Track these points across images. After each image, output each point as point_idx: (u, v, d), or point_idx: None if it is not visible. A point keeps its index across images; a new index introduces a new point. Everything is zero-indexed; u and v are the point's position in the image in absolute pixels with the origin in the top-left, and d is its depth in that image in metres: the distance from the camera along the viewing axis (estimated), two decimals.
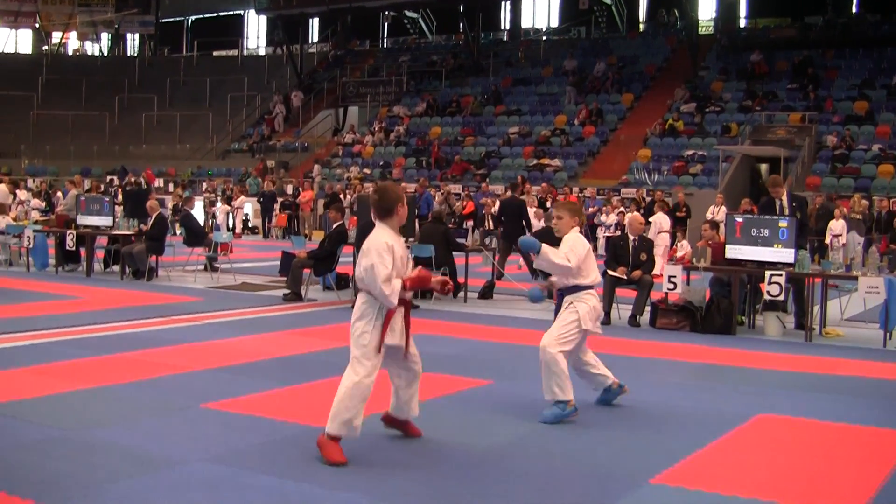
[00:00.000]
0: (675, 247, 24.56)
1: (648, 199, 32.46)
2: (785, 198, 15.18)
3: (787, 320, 14.56)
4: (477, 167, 41.46)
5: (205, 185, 42.54)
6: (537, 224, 23.82)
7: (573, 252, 8.53)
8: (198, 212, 30.12)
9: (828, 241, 26.05)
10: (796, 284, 14.35)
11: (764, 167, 36.80)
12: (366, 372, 7.01)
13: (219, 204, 36.80)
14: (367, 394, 7.02)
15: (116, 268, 20.10)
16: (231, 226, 36.20)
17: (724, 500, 6.28)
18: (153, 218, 19.61)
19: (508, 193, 25.07)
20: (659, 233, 24.71)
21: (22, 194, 35.79)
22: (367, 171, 43.40)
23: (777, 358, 12.14)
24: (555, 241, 8.74)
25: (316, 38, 65.54)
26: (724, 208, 27.29)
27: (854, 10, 48.41)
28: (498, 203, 30.15)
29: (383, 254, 6.91)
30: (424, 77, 52.81)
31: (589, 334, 8.80)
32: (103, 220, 20.15)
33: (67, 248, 20.14)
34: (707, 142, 38.85)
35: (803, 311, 14.41)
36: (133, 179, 41.17)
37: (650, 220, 26.42)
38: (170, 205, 35.26)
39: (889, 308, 13.30)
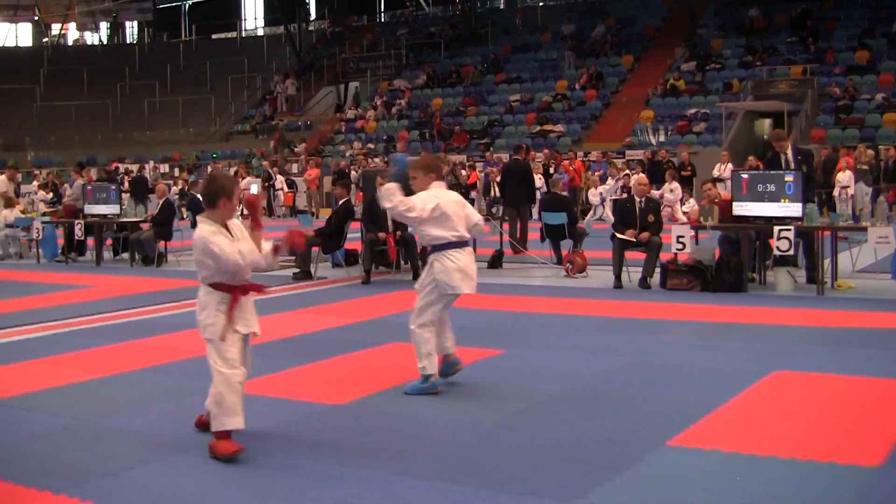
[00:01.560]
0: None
1: (649, 160, 32.45)
2: (790, 152, 15.09)
3: (797, 275, 14.52)
4: (480, 137, 41.40)
5: (210, 169, 42.49)
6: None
7: (414, 199, 8.26)
8: None
9: (836, 193, 25.97)
10: (806, 238, 14.29)
11: (767, 122, 36.70)
12: (227, 365, 6.64)
13: None
14: (238, 387, 6.63)
15: (126, 255, 20.13)
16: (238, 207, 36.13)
17: (742, 458, 6.26)
18: (160, 203, 19.63)
19: (522, 155, 24.74)
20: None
21: (28, 187, 35.89)
22: (370, 145, 43.34)
23: (790, 313, 12.11)
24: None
25: (314, 16, 65.38)
26: (729, 165, 27.27)
27: None
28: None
29: (215, 237, 6.69)
30: (423, 49, 52.65)
31: (452, 296, 8.47)
32: (110, 209, 20.16)
33: (76, 237, 20.18)
34: (709, 100, 38.74)
35: (814, 265, 14.35)
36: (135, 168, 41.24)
37: (671, 188, 26.48)
38: (176, 189, 35.29)
39: None
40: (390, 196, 8.16)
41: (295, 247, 7.27)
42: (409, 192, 8.31)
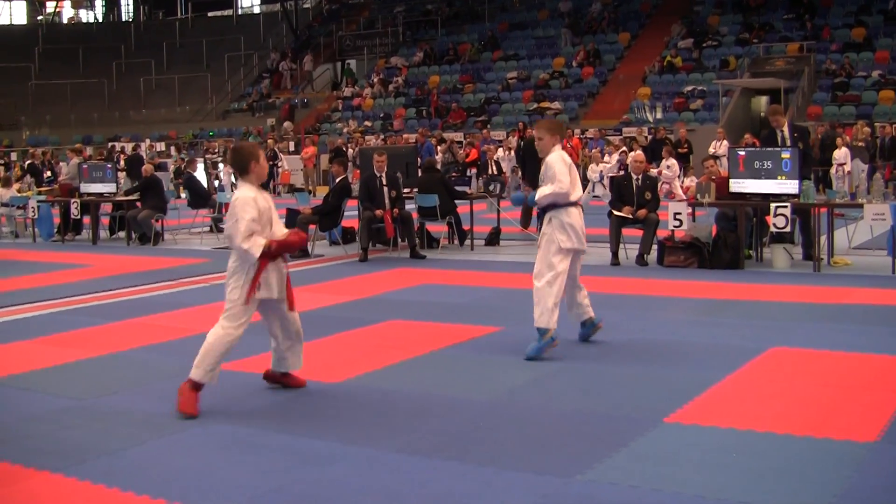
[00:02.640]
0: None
1: (650, 137, 32.42)
2: (786, 128, 15.08)
3: (794, 252, 14.53)
4: (477, 114, 41.37)
5: (206, 146, 42.47)
6: None
7: (559, 173, 8.60)
8: (200, 174, 30.13)
9: (833, 170, 25.99)
10: (802, 215, 14.30)
11: (764, 99, 36.71)
12: (233, 325, 7.22)
13: (221, 165, 36.76)
14: (232, 345, 7.25)
15: (122, 234, 20.14)
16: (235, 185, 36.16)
17: (739, 434, 6.29)
18: (141, 181, 19.81)
19: (527, 134, 24.43)
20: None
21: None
22: (367, 123, 43.31)
23: (787, 290, 12.14)
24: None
25: None
26: (725, 142, 27.28)
27: None
28: (513, 144, 30.06)
29: (246, 207, 7.12)
30: (420, 26, 52.57)
31: (574, 253, 8.80)
32: (106, 187, 20.17)
33: (72, 216, 20.19)
34: (706, 77, 38.72)
35: (811, 242, 14.36)
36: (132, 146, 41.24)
37: (668, 164, 26.46)
38: (172, 168, 35.27)
39: None
40: (545, 193, 8.62)
41: (290, 249, 7.62)
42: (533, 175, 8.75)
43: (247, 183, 7.32)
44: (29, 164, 35.14)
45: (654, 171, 26.93)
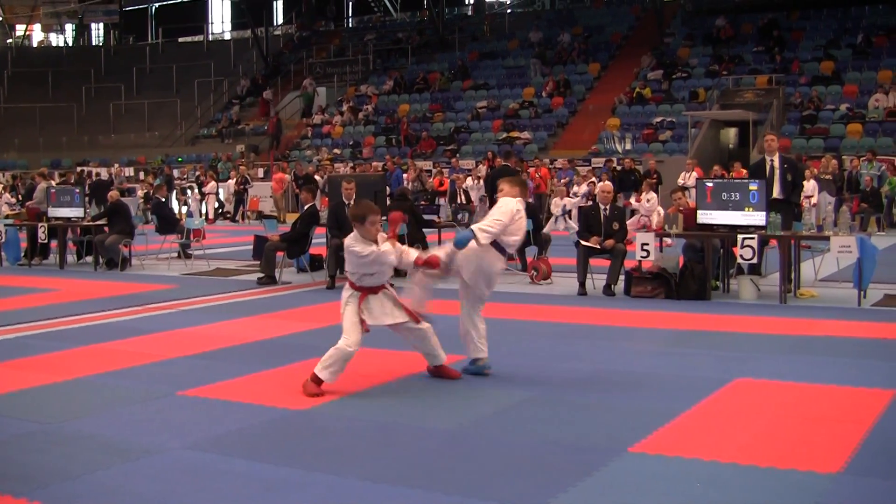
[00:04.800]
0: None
1: (619, 168, 32.52)
2: (777, 157, 15.18)
3: (760, 283, 14.60)
4: (447, 143, 41.45)
5: (176, 173, 42.38)
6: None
7: (500, 211, 9.07)
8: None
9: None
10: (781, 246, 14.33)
11: (733, 131, 36.94)
12: (347, 343, 8.33)
13: (191, 191, 36.76)
14: (348, 358, 8.36)
15: (90, 259, 20.04)
16: (203, 211, 36.09)
17: (703, 465, 6.31)
18: (106, 206, 19.77)
19: (496, 163, 24.44)
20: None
21: None
22: (336, 151, 43.30)
23: (753, 321, 12.19)
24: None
25: (281, 21, 65.34)
26: (694, 173, 27.38)
27: None
28: (483, 173, 30.03)
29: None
30: (391, 55, 52.72)
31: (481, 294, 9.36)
32: (74, 212, 20.07)
33: (39, 240, 20.08)
34: (675, 108, 38.93)
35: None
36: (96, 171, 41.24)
37: (647, 198, 26.45)
38: (140, 193, 35.16)
39: (862, 267, 13.35)
40: (489, 230, 8.98)
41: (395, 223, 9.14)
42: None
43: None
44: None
45: (632, 203, 27.08)
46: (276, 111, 49.42)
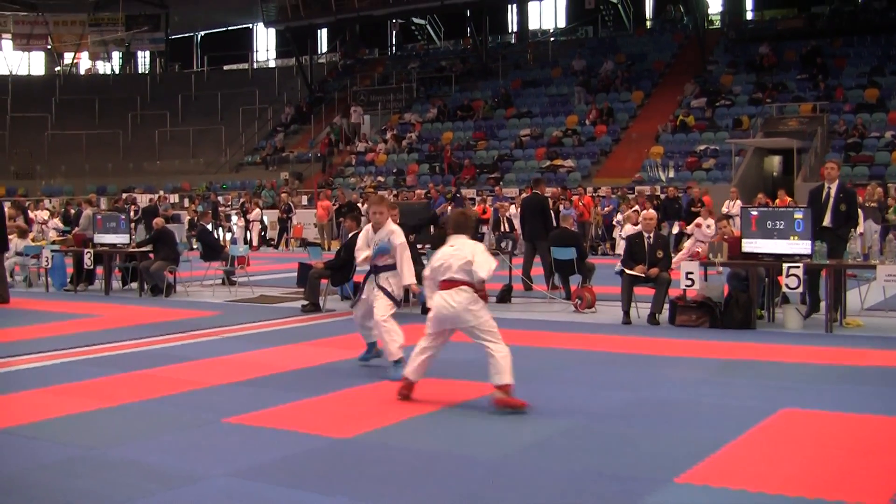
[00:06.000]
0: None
1: (663, 196, 32.41)
2: (835, 187, 15.06)
3: (805, 311, 14.50)
4: (490, 171, 41.47)
5: (220, 199, 42.62)
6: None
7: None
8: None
9: None
10: (810, 276, 14.25)
11: (777, 159, 36.76)
12: (499, 340, 8.94)
13: (236, 217, 36.95)
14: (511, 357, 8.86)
15: (135, 285, 20.16)
16: (248, 238, 36.23)
17: (750, 496, 6.25)
18: (153, 233, 19.92)
19: (528, 192, 24.45)
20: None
21: (41, 214, 36.12)
22: (380, 178, 43.40)
23: (798, 351, 12.09)
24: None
25: (325, 49, 65.70)
26: (738, 202, 27.24)
27: None
28: (517, 202, 29.99)
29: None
30: (434, 83, 52.89)
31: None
32: (120, 238, 20.19)
33: (85, 266, 20.23)
34: (719, 136, 38.80)
35: (816, 302, 14.40)
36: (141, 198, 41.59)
37: (707, 224, 26.25)
38: (185, 220, 35.36)
39: None
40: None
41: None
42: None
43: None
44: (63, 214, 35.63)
45: (687, 229, 26.89)
46: (330, 131, 49.63)
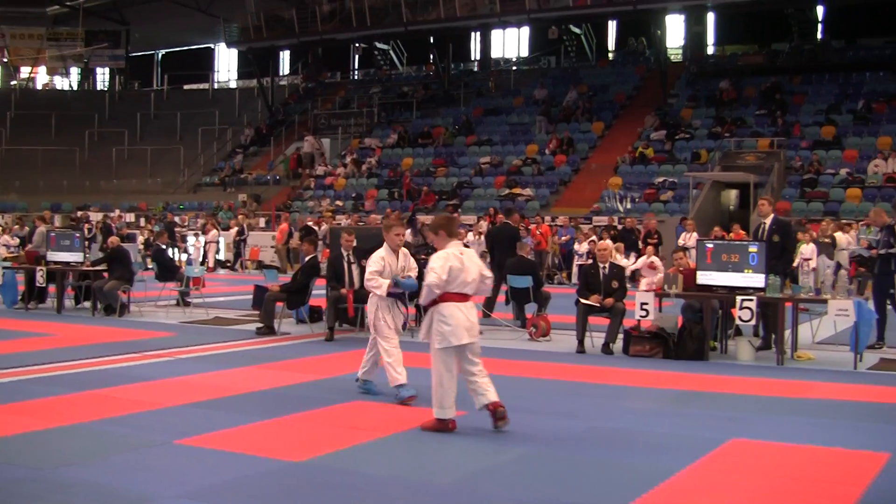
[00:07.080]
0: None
1: (620, 227, 32.57)
2: (769, 220, 15.21)
3: (757, 343, 14.61)
4: (449, 198, 41.50)
5: (177, 220, 42.43)
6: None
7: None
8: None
9: (796, 263, 26.13)
10: (765, 308, 14.37)
11: (734, 193, 37.02)
12: None
13: (192, 238, 36.78)
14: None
15: (87, 304, 20.02)
16: (203, 260, 36.06)
17: None
18: (108, 252, 19.78)
19: (498, 220, 24.38)
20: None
21: None
22: (339, 203, 43.34)
23: (750, 382, 12.18)
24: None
25: (287, 71, 65.61)
26: (695, 234, 27.41)
27: (819, 36, 48.58)
28: (484, 228, 30.02)
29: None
30: (395, 108, 52.87)
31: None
32: (74, 256, 20.06)
33: (37, 284, 20.05)
34: (677, 169, 38.99)
35: (769, 333, 14.53)
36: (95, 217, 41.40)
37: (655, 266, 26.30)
38: (141, 239, 35.19)
39: (859, 330, 13.37)
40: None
41: None
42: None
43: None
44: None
45: (638, 264, 26.94)
46: (297, 149, 49.65)
